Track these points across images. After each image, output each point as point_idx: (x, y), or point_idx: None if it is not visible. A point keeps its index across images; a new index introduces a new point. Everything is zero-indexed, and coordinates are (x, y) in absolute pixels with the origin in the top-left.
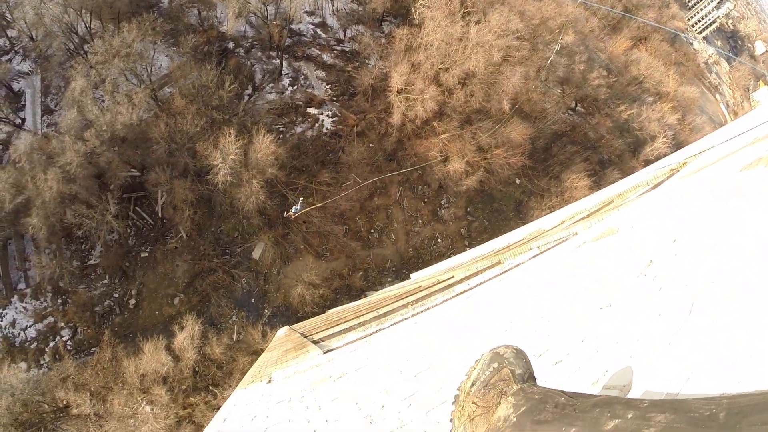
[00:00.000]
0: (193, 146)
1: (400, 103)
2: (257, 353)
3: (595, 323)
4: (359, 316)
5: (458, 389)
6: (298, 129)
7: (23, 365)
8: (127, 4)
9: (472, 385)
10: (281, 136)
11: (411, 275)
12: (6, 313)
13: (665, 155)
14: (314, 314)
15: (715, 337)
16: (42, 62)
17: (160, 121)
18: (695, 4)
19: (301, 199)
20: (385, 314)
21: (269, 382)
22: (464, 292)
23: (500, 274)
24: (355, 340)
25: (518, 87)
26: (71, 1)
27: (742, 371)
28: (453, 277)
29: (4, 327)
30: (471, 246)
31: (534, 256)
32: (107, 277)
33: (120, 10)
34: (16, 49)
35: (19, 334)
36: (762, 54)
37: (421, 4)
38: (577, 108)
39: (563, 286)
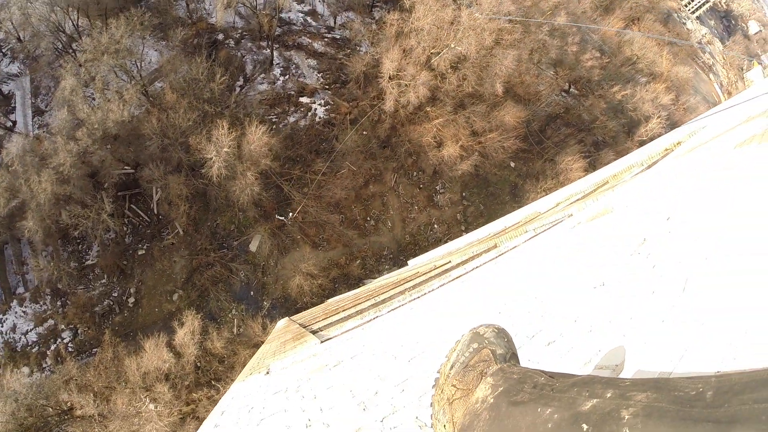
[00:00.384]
0: (186, 141)
1: (393, 90)
2: (258, 346)
3: (589, 302)
4: (357, 304)
5: (438, 372)
6: (291, 119)
7: (26, 370)
8: None
9: (452, 367)
10: (274, 126)
11: (408, 262)
12: (6, 319)
13: (660, 135)
14: (313, 304)
15: (710, 313)
16: (31, 63)
17: (152, 117)
18: None
19: (291, 214)
20: (383, 301)
21: (267, 373)
22: (461, 276)
23: (496, 257)
24: (353, 328)
25: (511, 70)
26: None
27: (738, 348)
28: (450, 262)
29: (4, 332)
30: (468, 230)
31: (529, 239)
32: (105, 276)
33: (107, 6)
34: (3, 51)
35: (20, 338)
36: (755, 33)
37: None
38: (571, 90)
39: (557, 266)
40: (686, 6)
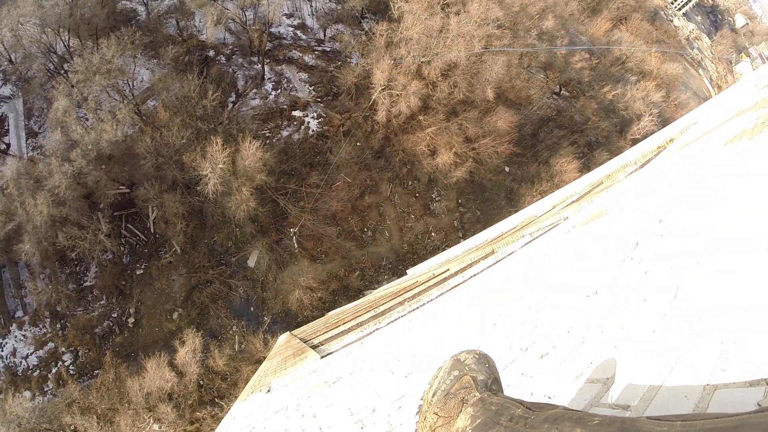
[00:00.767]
0: (180, 158)
1: (385, 100)
2: (260, 362)
3: (582, 312)
4: (357, 316)
5: (421, 399)
6: (285, 133)
7: (27, 394)
8: (105, 19)
9: (434, 394)
10: (268, 141)
11: (407, 271)
12: (6, 343)
13: (652, 133)
14: (314, 318)
15: (701, 322)
16: (23, 85)
17: (146, 136)
18: None
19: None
20: (383, 313)
21: (268, 391)
22: (459, 285)
23: (494, 264)
24: (353, 341)
25: (501, 75)
26: (48, 20)
27: (727, 359)
28: (448, 270)
29: (5, 356)
30: (465, 237)
31: (526, 244)
32: (104, 297)
33: (98, 26)
34: None
35: (21, 362)
36: (742, 27)
37: None
38: (562, 92)
39: (552, 274)
40: (672, 3)
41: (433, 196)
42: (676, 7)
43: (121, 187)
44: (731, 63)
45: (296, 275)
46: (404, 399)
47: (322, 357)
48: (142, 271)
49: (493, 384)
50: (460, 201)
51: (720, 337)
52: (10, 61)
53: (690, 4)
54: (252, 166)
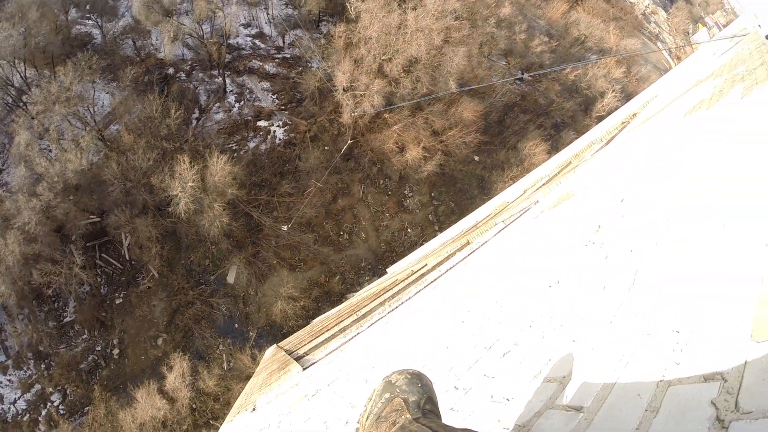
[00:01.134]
0: (149, 181)
1: (348, 102)
2: (249, 378)
3: (544, 303)
4: (340, 321)
5: (358, 422)
6: (251, 144)
7: None
8: (60, 46)
9: (368, 418)
10: (235, 154)
11: (387, 270)
12: None
13: (616, 109)
14: (299, 327)
15: (657, 312)
16: None
17: (111, 161)
18: None
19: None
20: (364, 315)
21: (253, 410)
22: (435, 280)
23: (468, 255)
24: (334, 349)
25: (463, 66)
26: (2, 52)
27: (682, 351)
28: (426, 265)
29: None
30: (441, 230)
31: (499, 231)
32: (86, 331)
33: (54, 54)
34: None
35: (9, 408)
36: None
37: None
38: (524, 76)
39: (517, 264)
40: None
41: (406, 192)
42: None
43: (91, 216)
44: (689, 34)
45: (277, 286)
46: None
47: (305, 368)
48: (121, 300)
49: (426, 404)
50: (432, 195)
51: (675, 326)
52: None
53: None
54: (222, 181)
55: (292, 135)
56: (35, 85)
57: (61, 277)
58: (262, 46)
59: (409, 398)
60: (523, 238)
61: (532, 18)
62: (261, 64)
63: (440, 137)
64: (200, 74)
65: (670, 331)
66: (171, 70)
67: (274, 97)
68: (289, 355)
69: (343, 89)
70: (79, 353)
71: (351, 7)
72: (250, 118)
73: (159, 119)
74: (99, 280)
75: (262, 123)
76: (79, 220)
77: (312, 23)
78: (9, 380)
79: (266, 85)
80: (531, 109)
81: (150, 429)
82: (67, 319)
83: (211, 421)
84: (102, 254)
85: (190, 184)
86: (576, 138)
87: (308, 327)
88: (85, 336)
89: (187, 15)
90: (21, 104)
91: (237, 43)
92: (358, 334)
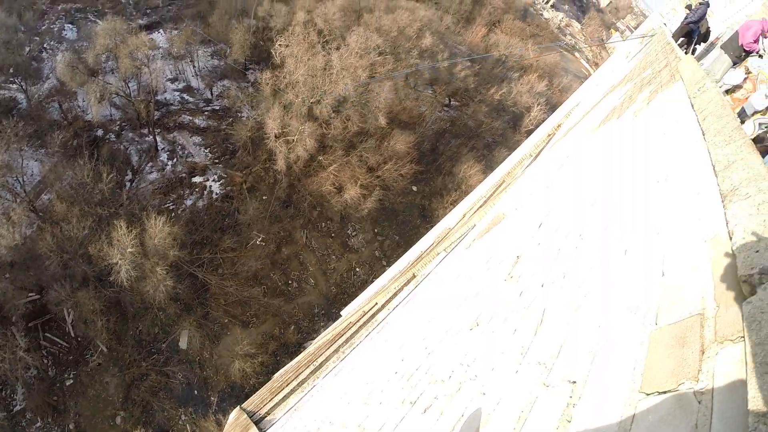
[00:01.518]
0: (86, 251)
1: (281, 148)
2: None
3: (464, 348)
4: (299, 374)
5: None
6: (188, 202)
7: None
8: None
9: None
10: (173, 214)
11: (341, 313)
12: None
13: (543, 121)
14: (260, 384)
15: (556, 360)
16: None
17: (46, 234)
18: None
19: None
20: (321, 365)
21: None
22: (384, 319)
23: (414, 289)
24: (293, 406)
25: (390, 100)
26: None
27: (575, 406)
28: (376, 304)
29: None
30: (389, 264)
31: (440, 262)
32: (39, 419)
33: None
34: None
35: None
36: (607, 5)
37: (279, 44)
38: (452, 102)
39: (444, 304)
40: None
41: (349, 232)
42: (543, 0)
43: (30, 294)
44: (603, 40)
45: (232, 346)
46: None
47: None
48: (72, 381)
49: None
50: (376, 230)
51: (571, 375)
52: None
53: None
54: (162, 244)
55: (229, 188)
56: None
57: (5, 363)
58: (191, 99)
59: None
60: (454, 273)
61: (453, 45)
62: (191, 118)
63: (376, 173)
64: (130, 134)
65: (567, 382)
66: (100, 132)
67: (207, 151)
68: (251, 417)
69: (275, 136)
70: None
71: (276, 53)
72: (184, 175)
73: (91, 185)
74: (45, 361)
75: (197, 179)
76: (17, 299)
77: (239, 72)
78: None
79: (198, 139)
80: (462, 133)
81: None
82: (17, 407)
83: None
84: (46, 333)
85: (129, 250)
86: (508, 155)
87: (269, 383)
88: (38, 424)
89: (112, 73)
90: None
91: (165, 98)
92: (314, 387)
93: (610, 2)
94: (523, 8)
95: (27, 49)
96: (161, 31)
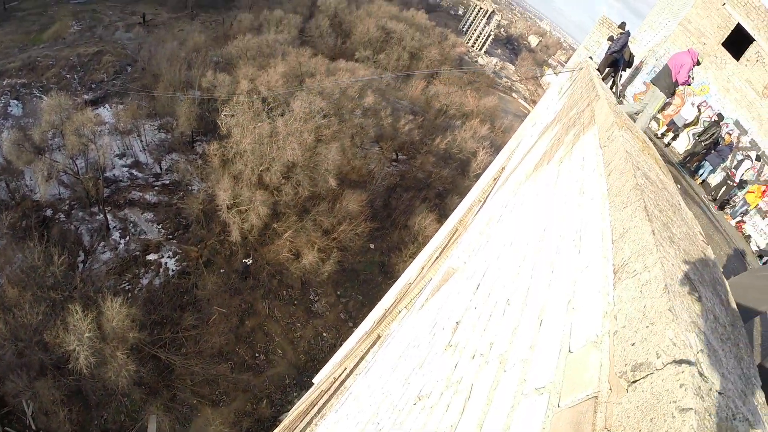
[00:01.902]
0: (42, 338)
1: (234, 219)
2: None
3: (407, 426)
4: None
5: None
6: (144, 281)
7: None
8: None
9: None
10: (130, 294)
11: (313, 381)
12: None
13: (490, 163)
14: None
15: None
16: None
17: None
18: (468, 28)
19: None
20: None
21: None
22: (349, 388)
23: (377, 352)
24: None
25: (338, 161)
26: None
27: None
28: (345, 369)
29: None
30: (356, 325)
31: (401, 322)
32: None
33: None
34: None
35: None
36: (537, 45)
37: (225, 114)
38: (399, 157)
39: (396, 375)
40: (472, 47)
41: (312, 297)
42: (476, 48)
43: None
44: (538, 77)
45: (204, 427)
46: None
47: None
48: None
49: None
50: (338, 293)
51: None
52: None
53: (488, 42)
54: (120, 327)
55: (185, 264)
56: None
57: None
58: (140, 175)
59: None
60: (407, 340)
61: (395, 101)
62: (141, 194)
63: (332, 235)
64: (80, 213)
65: None
66: (49, 212)
67: (160, 227)
68: None
69: (227, 207)
70: None
71: (222, 123)
72: (138, 253)
73: (43, 268)
74: None
75: (151, 256)
76: None
77: (187, 145)
78: None
79: (150, 215)
80: (412, 185)
81: None
82: None
83: None
84: (5, 429)
85: (86, 335)
86: (460, 202)
87: None
88: None
89: (59, 150)
90: None
91: (114, 175)
92: None
93: (540, 41)
94: (458, 57)
95: None
96: (107, 106)
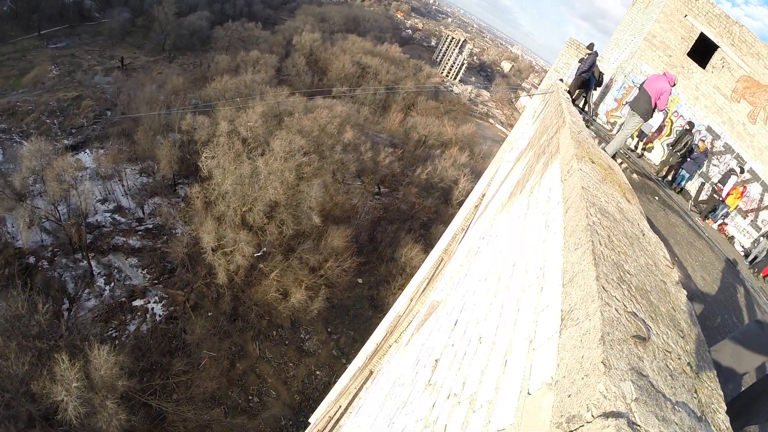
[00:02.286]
0: (29, 389)
1: (220, 260)
2: None
3: None
4: None
5: None
6: (131, 327)
7: None
8: None
9: None
10: (117, 341)
11: (309, 420)
12: None
13: (472, 190)
14: None
15: None
16: None
17: None
18: (442, 58)
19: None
20: None
21: None
22: (344, 425)
23: (369, 388)
24: None
25: (321, 197)
26: None
27: None
28: (340, 407)
29: None
30: (349, 361)
31: (390, 358)
32: None
33: None
34: None
35: None
36: (510, 70)
37: (205, 156)
38: (381, 190)
39: (382, 415)
40: (447, 76)
41: (302, 336)
42: (450, 78)
43: None
44: (513, 102)
45: None
46: None
47: None
48: None
49: None
50: (329, 329)
51: None
52: None
53: (461, 71)
54: (109, 375)
55: (172, 308)
56: None
57: None
58: (123, 220)
59: None
60: (393, 377)
61: (374, 134)
62: (125, 239)
63: (319, 272)
64: (63, 260)
65: None
66: (32, 259)
67: (145, 272)
68: None
69: (212, 249)
70: None
71: (203, 165)
72: (124, 299)
73: (27, 316)
74: None
75: (137, 302)
76: None
77: (168, 188)
78: None
79: (134, 260)
80: (396, 217)
81: None
82: None
83: None
84: None
85: (74, 384)
86: (444, 230)
87: None
88: None
89: (41, 196)
90: None
91: (96, 220)
92: None
93: (513, 66)
94: (433, 88)
95: None
96: (88, 150)
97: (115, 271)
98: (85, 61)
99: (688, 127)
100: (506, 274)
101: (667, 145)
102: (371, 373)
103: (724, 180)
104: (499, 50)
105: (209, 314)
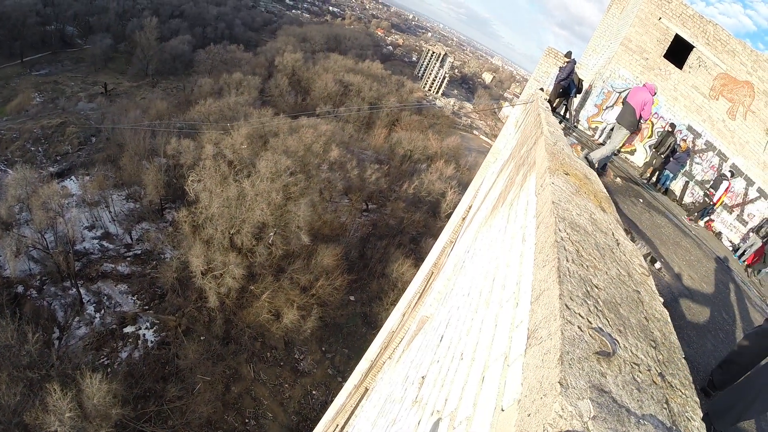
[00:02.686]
0: (22, 420)
1: (210, 284)
2: None
3: None
4: None
5: None
6: (124, 354)
7: None
8: None
9: None
10: (109, 369)
11: None
12: None
13: (459, 201)
14: None
15: None
16: None
17: None
18: (423, 72)
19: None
20: None
21: None
22: None
23: (364, 405)
24: None
25: (309, 217)
26: None
27: None
28: (337, 426)
29: None
30: (345, 379)
31: (384, 375)
32: None
33: None
34: None
35: None
36: (491, 81)
37: (192, 180)
38: (369, 206)
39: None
40: (429, 91)
41: (297, 356)
42: (433, 92)
43: None
44: (496, 112)
45: None
46: None
47: None
48: None
49: None
50: (323, 348)
51: None
52: None
53: (443, 85)
54: (102, 403)
55: (164, 334)
56: None
57: None
58: (111, 246)
59: None
60: (384, 395)
61: (359, 151)
62: (113, 265)
63: (310, 291)
64: (52, 288)
65: None
66: (20, 289)
67: (135, 298)
68: None
69: (202, 273)
70: None
71: (189, 189)
72: (114, 326)
73: (17, 347)
74: None
75: (128, 329)
76: None
77: (156, 213)
78: None
79: (124, 287)
80: (385, 233)
81: None
82: None
83: None
84: None
85: (67, 414)
86: (434, 243)
87: None
88: None
89: (27, 225)
90: None
91: (84, 248)
92: None
93: (494, 77)
94: (416, 102)
95: None
96: (73, 177)
97: (105, 298)
98: (68, 88)
99: (670, 129)
100: (487, 288)
101: (650, 146)
102: (366, 390)
103: (716, 185)
104: (479, 62)
105: (202, 338)
